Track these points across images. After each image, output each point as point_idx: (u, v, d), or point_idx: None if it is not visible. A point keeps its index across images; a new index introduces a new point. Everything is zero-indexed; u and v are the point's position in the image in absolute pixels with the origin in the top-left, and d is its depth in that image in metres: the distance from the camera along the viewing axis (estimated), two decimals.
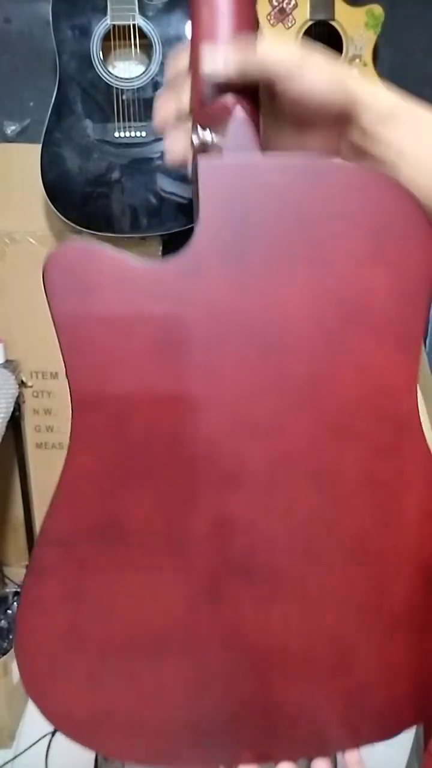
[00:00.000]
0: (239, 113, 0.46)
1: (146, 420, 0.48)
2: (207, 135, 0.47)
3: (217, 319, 0.46)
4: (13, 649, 1.62)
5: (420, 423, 0.49)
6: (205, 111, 0.47)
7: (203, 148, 0.47)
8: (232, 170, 0.44)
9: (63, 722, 0.56)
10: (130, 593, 0.52)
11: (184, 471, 0.49)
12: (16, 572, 1.91)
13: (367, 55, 1.57)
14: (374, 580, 0.52)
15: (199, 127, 0.47)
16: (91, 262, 0.45)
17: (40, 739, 1.64)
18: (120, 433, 0.48)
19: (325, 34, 1.57)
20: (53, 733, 1.64)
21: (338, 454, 0.49)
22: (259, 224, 0.44)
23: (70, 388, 0.47)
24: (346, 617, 0.52)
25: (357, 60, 1.56)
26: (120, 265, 0.45)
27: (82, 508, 0.50)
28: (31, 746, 1.64)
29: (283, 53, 0.45)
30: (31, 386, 1.81)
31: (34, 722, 1.68)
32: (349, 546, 0.51)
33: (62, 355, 0.47)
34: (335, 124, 0.49)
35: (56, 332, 0.46)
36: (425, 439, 0.49)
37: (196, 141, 0.47)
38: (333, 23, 1.54)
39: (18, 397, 1.74)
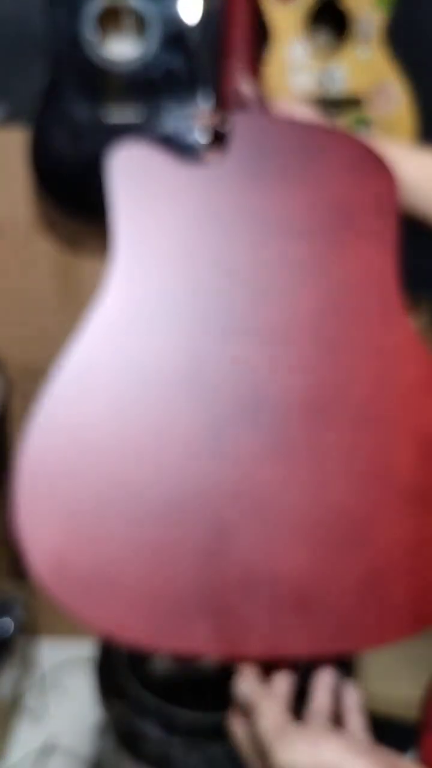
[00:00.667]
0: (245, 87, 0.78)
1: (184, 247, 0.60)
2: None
3: (237, 214, 0.62)
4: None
5: (404, 309, 0.61)
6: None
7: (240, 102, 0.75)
8: (256, 121, 0.65)
9: (54, 574, 0.51)
10: (140, 425, 0.55)
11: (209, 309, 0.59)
12: (4, 585, 1.84)
13: (377, 38, 1.50)
14: (377, 448, 0.57)
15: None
16: (149, 158, 0.63)
17: (30, 759, 1.57)
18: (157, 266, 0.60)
19: (332, 14, 1.49)
20: (44, 753, 1.57)
21: (341, 327, 0.59)
22: (269, 155, 0.63)
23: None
24: (350, 484, 0.56)
25: (366, 41, 1.49)
26: (166, 163, 0.63)
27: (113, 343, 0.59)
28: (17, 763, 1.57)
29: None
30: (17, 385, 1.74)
31: (23, 741, 1.62)
32: (353, 408, 0.57)
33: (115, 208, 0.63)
34: None
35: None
36: (412, 326, 0.60)
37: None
38: (340, 3, 1.46)
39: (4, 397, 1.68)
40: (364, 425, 0.57)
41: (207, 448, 0.54)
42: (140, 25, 1.47)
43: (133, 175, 0.62)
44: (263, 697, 0.52)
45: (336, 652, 0.53)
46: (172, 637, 0.51)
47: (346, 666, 1.07)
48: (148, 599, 0.51)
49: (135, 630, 0.50)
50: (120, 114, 1.46)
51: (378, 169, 0.62)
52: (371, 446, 0.56)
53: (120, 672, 1.19)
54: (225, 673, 0.65)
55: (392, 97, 1.51)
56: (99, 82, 1.45)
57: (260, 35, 1.54)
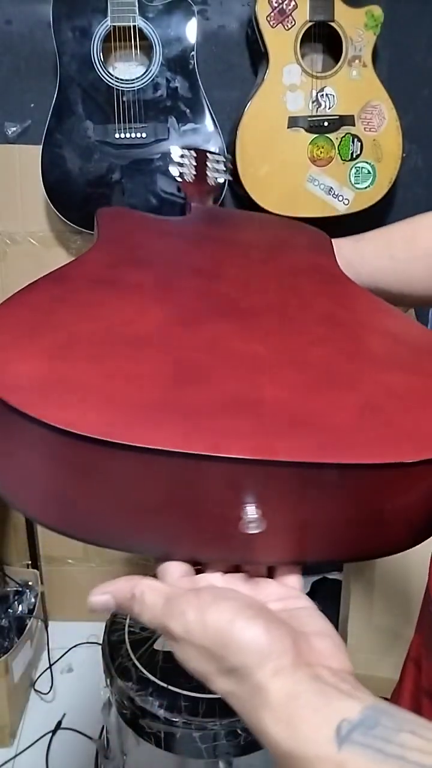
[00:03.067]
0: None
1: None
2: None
3: (212, 253, 0.68)
4: (13, 648, 1.64)
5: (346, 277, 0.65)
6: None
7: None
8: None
9: (8, 385, 0.43)
10: (112, 301, 0.54)
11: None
12: (17, 571, 1.92)
13: (367, 56, 1.57)
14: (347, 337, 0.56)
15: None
16: (123, 218, 0.72)
17: (40, 738, 1.65)
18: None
19: (324, 35, 1.57)
20: (54, 732, 1.65)
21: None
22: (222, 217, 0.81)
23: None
24: (327, 347, 0.52)
25: (357, 61, 1.57)
26: (145, 218, 0.73)
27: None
28: (31, 745, 1.65)
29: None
30: None
31: (35, 721, 1.70)
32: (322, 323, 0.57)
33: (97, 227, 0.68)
34: None
35: (96, 222, 0.68)
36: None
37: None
38: (333, 24, 1.54)
39: None
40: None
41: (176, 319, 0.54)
42: (146, 45, 1.54)
43: (115, 221, 0.71)
44: (139, 580, 0.44)
45: (329, 463, 0.41)
46: (138, 433, 0.40)
47: None
48: (111, 400, 0.43)
49: (96, 424, 0.40)
50: (126, 132, 1.54)
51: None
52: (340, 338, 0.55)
53: (125, 655, 1.27)
54: None
55: (381, 116, 1.59)
56: (106, 100, 1.52)
57: (259, 59, 1.62)
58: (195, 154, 0.83)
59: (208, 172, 0.83)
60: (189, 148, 0.84)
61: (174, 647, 0.41)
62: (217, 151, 1.50)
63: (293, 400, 0.45)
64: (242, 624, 0.39)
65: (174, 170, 0.82)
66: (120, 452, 0.39)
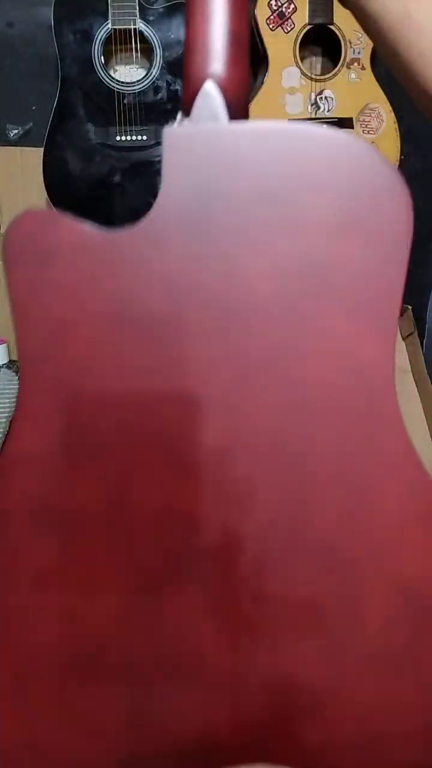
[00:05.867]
0: (208, 85, 0.46)
1: (97, 394, 0.45)
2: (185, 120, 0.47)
3: (176, 290, 0.44)
4: None
5: (399, 414, 0.45)
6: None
7: None
8: (196, 138, 0.43)
9: None
10: (65, 590, 0.46)
11: (134, 451, 0.46)
12: None
13: (366, 59, 1.58)
14: (346, 596, 0.45)
15: (180, 113, 0.48)
16: (49, 228, 0.45)
17: None
18: (68, 408, 0.46)
19: (323, 38, 1.58)
20: None
21: (303, 438, 0.45)
22: (223, 193, 0.43)
23: (19, 357, 0.46)
24: (307, 651, 0.45)
25: (355, 64, 1.58)
26: (78, 232, 0.45)
27: (21, 487, 0.47)
28: None
29: None
30: None
31: None
32: (315, 548, 0.45)
33: (14, 323, 0.46)
34: None
35: (10, 300, 0.46)
36: (406, 433, 0.45)
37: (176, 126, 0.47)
38: (332, 27, 1.55)
39: None
40: (330, 567, 0.45)
41: (139, 607, 0.46)
42: (147, 48, 1.54)
43: (29, 253, 0.48)
44: None
45: None
46: None
47: None
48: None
49: None
50: (127, 134, 1.54)
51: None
52: (338, 596, 0.45)
53: None
54: None
55: (379, 118, 1.60)
56: (107, 103, 1.53)
57: (258, 62, 1.63)
58: None
59: None
60: None
61: None
62: None
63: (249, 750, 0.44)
64: None
65: None
66: None
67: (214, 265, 0.44)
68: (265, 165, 0.43)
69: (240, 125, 0.43)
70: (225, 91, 0.46)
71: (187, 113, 0.47)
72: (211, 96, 0.46)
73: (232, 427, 0.45)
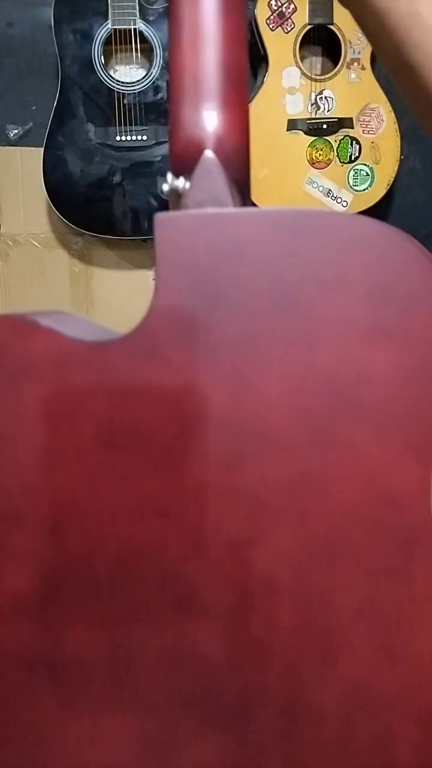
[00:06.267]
0: (207, 160, 0.40)
1: (87, 531, 0.39)
2: (179, 182, 0.40)
3: (176, 411, 0.38)
4: None
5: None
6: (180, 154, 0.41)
7: (175, 198, 0.40)
8: (195, 227, 0.36)
9: None
10: (67, 744, 0.42)
11: (132, 594, 0.40)
12: None
13: (366, 59, 1.59)
14: (375, 741, 0.41)
15: (170, 173, 0.41)
16: (22, 338, 0.38)
17: None
18: (56, 547, 0.40)
19: (324, 38, 1.59)
20: None
21: (329, 577, 0.40)
22: (229, 294, 0.36)
23: None
24: None
25: (355, 64, 1.58)
26: (57, 343, 0.38)
27: (10, 636, 0.41)
28: None
29: None
30: None
31: None
32: (343, 692, 0.41)
33: None
34: None
35: None
36: None
37: (165, 189, 0.41)
38: (332, 27, 1.55)
39: None
40: (356, 706, 0.41)
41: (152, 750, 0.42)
42: (147, 48, 1.55)
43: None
44: None
45: None
46: None
47: None
48: None
49: None
50: (127, 135, 1.55)
51: None
52: (367, 740, 0.41)
53: None
54: None
55: (379, 118, 1.61)
56: (107, 103, 1.54)
57: (258, 62, 1.63)
58: None
59: None
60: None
61: None
62: None
63: None
64: None
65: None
66: None
67: (221, 380, 0.37)
68: (278, 260, 0.36)
69: (248, 212, 0.37)
70: (223, 144, 0.40)
71: (176, 171, 0.40)
72: (212, 174, 0.38)
73: (247, 565, 0.39)
